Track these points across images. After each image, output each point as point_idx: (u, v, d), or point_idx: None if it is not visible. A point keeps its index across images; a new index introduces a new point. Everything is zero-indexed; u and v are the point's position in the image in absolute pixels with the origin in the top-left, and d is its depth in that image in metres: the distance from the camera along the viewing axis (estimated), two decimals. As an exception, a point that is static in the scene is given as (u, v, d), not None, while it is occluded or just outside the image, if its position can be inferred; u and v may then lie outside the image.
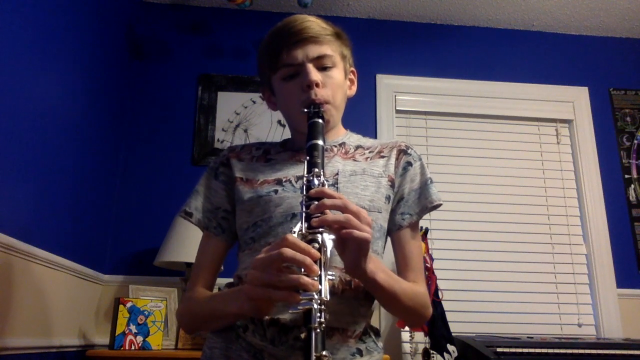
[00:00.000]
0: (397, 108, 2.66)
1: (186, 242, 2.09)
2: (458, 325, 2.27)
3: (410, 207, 1.01)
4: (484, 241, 2.53)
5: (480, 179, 2.63)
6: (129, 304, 1.93)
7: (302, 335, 0.69)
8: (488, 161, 2.67)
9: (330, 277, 0.74)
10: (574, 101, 2.78)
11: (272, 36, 1.02)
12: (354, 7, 2.72)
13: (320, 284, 0.72)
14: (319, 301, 0.70)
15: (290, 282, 0.71)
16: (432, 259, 2.19)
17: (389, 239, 1.04)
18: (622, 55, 2.92)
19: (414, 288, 0.94)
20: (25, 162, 1.57)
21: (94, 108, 2.11)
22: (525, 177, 2.66)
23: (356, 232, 0.75)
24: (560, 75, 2.84)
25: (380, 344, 0.99)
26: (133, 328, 1.91)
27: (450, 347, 1.99)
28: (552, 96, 2.78)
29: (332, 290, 0.88)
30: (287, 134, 2.58)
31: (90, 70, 2.07)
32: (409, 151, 1.06)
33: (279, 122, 2.59)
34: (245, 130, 2.57)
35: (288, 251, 0.72)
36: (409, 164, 1.04)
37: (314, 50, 0.98)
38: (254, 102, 2.62)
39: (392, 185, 1.02)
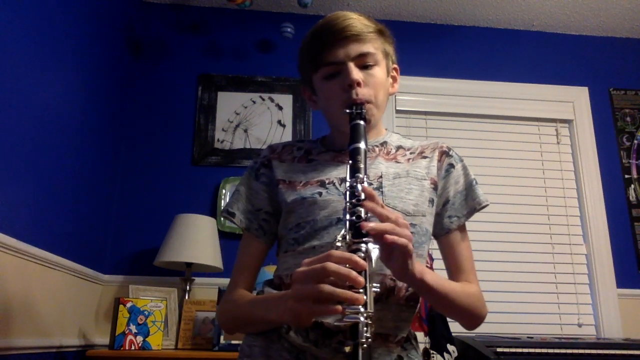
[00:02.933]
0: (397, 108, 2.66)
1: (186, 242, 2.09)
2: (458, 325, 2.26)
3: (458, 209, 1.01)
4: (484, 241, 2.53)
5: (480, 179, 2.58)
6: (129, 304, 1.93)
7: (347, 349, 0.68)
8: (488, 161, 2.67)
9: (375, 289, 0.73)
10: (574, 101, 2.78)
11: (313, 34, 1.01)
12: (354, 7, 2.72)
13: (366, 295, 0.70)
14: (365, 315, 0.69)
15: (337, 297, 0.69)
16: (432, 259, 2.18)
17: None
18: (622, 55, 2.92)
19: (465, 287, 0.93)
20: (25, 162, 1.57)
21: (93, 108, 2.11)
22: (525, 177, 2.66)
23: (399, 240, 0.74)
24: (560, 75, 2.84)
25: (420, 351, 0.98)
26: (133, 328, 1.91)
27: (450, 347, 1.99)
28: (552, 96, 2.78)
29: (377, 296, 0.87)
30: (287, 134, 2.60)
31: (90, 70, 2.07)
32: (450, 153, 1.05)
33: (279, 122, 2.59)
34: (245, 130, 2.57)
35: (332, 265, 0.70)
36: (452, 165, 1.03)
37: (355, 49, 0.97)
38: (254, 102, 2.62)
39: (435, 188, 1.01)
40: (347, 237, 0.76)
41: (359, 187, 0.80)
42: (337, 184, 0.97)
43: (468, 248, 1.01)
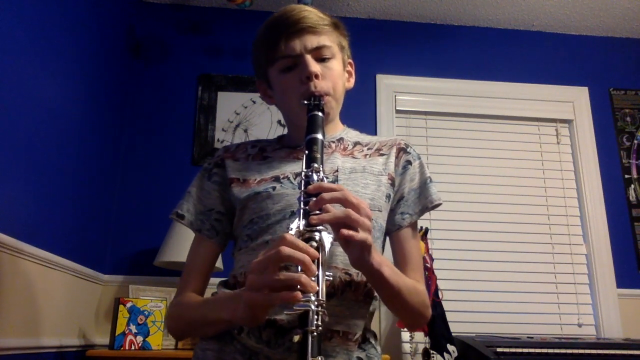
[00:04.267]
0: (397, 108, 2.66)
1: (186, 242, 2.08)
2: (458, 325, 2.26)
3: (410, 206, 0.99)
4: (484, 241, 2.53)
5: (480, 179, 2.63)
6: (129, 304, 1.93)
7: (296, 338, 0.67)
8: (488, 161, 2.67)
9: (328, 278, 0.72)
10: (574, 101, 2.78)
11: (268, 27, 0.99)
12: (354, 7, 2.72)
13: (318, 284, 0.69)
14: (316, 303, 0.67)
15: (288, 282, 0.68)
16: (432, 259, 2.18)
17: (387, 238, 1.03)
18: (622, 55, 2.92)
19: (416, 286, 0.92)
20: (25, 162, 1.57)
21: (94, 108, 2.11)
22: (525, 177, 2.65)
23: (357, 236, 0.73)
24: (560, 75, 2.84)
25: (379, 348, 0.97)
26: (133, 328, 1.91)
27: (450, 347, 1.99)
28: (552, 96, 2.78)
29: (332, 291, 0.87)
30: (287, 134, 2.60)
31: (91, 70, 2.07)
32: (408, 149, 1.04)
33: (279, 122, 2.59)
34: (245, 130, 2.57)
35: (286, 249, 0.69)
36: (409, 162, 1.02)
37: (312, 41, 0.96)
38: (254, 102, 2.62)
39: (392, 184, 1.00)
40: (300, 226, 0.75)
41: (315, 176, 0.79)
42: (291, 178, 0.95)
43: (417, 247, 1.00)
